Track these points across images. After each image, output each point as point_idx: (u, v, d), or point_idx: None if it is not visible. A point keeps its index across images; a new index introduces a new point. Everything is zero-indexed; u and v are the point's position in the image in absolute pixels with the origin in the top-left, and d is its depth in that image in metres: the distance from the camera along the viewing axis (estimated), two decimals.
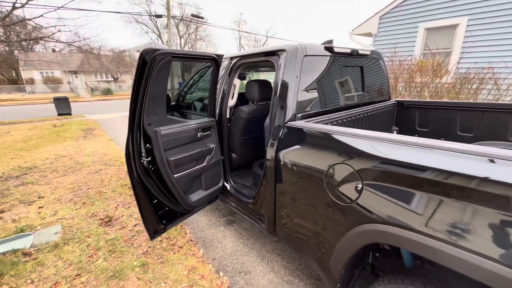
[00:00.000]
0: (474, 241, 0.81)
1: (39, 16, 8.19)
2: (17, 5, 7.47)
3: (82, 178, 3.98)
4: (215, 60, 1.91)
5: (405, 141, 1.03)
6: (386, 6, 6.67)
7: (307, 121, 1.54)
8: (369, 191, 1.09)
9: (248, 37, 43.11)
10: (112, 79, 31.20)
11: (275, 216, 1.73)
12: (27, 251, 2.25)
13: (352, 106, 2.10)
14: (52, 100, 12.57)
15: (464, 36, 5.47)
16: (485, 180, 0.79)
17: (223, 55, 2.04)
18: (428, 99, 3.88)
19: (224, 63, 2.25)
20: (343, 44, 2.01)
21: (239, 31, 40.25)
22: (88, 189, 3.58)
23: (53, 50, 27.58)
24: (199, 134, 1.91)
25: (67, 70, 29.29)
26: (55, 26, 8.50)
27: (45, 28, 8.72)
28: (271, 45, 2.11)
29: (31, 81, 28.05)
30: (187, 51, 1.73)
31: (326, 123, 1.62)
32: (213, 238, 2.57)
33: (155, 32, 37.87)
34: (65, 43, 9.83)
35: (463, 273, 0.85)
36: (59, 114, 11.45)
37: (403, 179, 0.99)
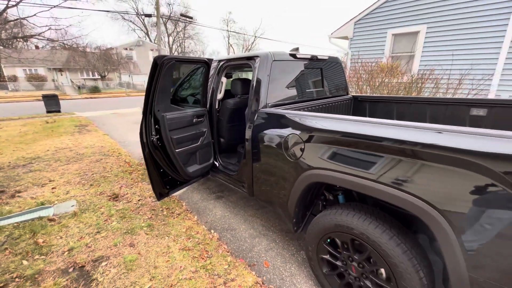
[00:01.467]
0: (356, 170, 1.43)
1: (33, 15, 8.38)
2: (11, 3, 7.64)
3: (85, 166, 4.42)
4: (207, 63, 2.48)
5: (325, 116, 1.65)
6: (360, 13, 7.41)
7: (274, 108, 2.14)
8: (307, 150, 1.70)
9: (237, 36, 43.54)
10: (99, 77, 30.82)
11: (253, 180, 2.32)
12: (51, 217, 2.73)
13: (313, 99, 2.72)
14: (40, 97, 12.65)
15: (424, 42, 6.27)
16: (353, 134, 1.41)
17: (212, 59, 2.62)
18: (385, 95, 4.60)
19: (214, 65, 2.82)
20: (306, 51, 2.64)
21: (227, 31, 40.57)
22: (93, 174, 4.05)
23: (36, 47, 26.99)
24: (194, 119, 2.48)
25: (52, 68, 28.69)
26: (48, 25, 8.68)
27: (39, 27, 8.92)
28: (252, 51, 2.68)
29: (14, 79, 27.31)
30: (187, 56, 2.29)
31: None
32: (205, 208, 3.14)
33: (142, 30, 37.64)
34: (56, 41, 9.99)
35: (350, 187, 1.47)
36: (48, 112, 11.55)
37: (326, 140, 1.60)
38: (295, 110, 2.13)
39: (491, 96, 5.39)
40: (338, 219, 1.60)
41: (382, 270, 1.50)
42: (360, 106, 3.23)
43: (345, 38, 8.07)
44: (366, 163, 1.40)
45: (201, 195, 3.49)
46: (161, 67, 2.02)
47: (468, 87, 4.70)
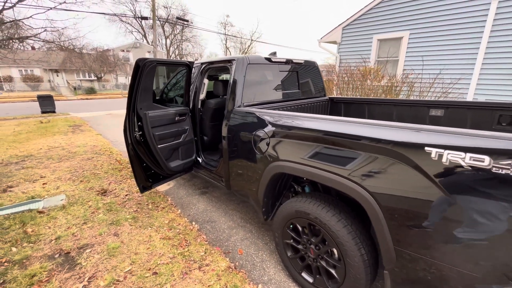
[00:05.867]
0: (316, 164, 1.62)
1: (29, 17, 8.52)
2: (7, 5, 7.78)
3: (76, 163, 4.57)
4: (188, 65, 2.68)
5: (288, 114, 1.84)
6: (347, 19, 7.68)
7: (246, 107, 2.33)
8: (272, 144, 1.89)
9: (234, 40, 43.87)
10: (96, 78, 30.87)
11: (229, 174, 2.50)
12: (40, 210, 2.88)
13: (289, 100, 2.92)
14: (35, 98, 12.74)
15: (407, 47, 6.54)
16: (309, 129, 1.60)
17: (193, 62, 2.81)
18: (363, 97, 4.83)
19: (197, 67, 3.01)
20: (281, 56, 2.85)
21: (225, 34, 40.89)
22: (84, 171, 4.19)
23: (33, 48, 27.05)
24: (176, 118, 2.66)
25: (48, 69, 28.70)
26: (44, 27, 8.83)
27: (35, 28, 9.04)
28: (230, 55, 2.87)
29: (9, 79, 27.30)
30: (167, 59, 2.47)
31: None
32: (189, 203, 3.30)
33: (140, 32, 37.72)
34: (52, 42, 10.13)
35: (311, 178, 1.66)
36: (43, 112, 11.66)
37: (288, 135, 1.79)
38: (263, 108, 2.33)
39: (469, 99, 5.65)
40: (297, 206, 1.78)
41: (335, 251, 1.69)
42: (336, 107, 3.44)
43: (334, 42, 8.33)
44: (314, 154, 1.59)
45: (186, 190, 3.65)
46: (142, 69, 2.20)
47: (445, 91, 4.96)
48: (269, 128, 1.93)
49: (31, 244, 2.33)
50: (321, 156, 1.55)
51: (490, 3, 5.11)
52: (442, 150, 1.09)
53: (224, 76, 4.05)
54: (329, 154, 1.51)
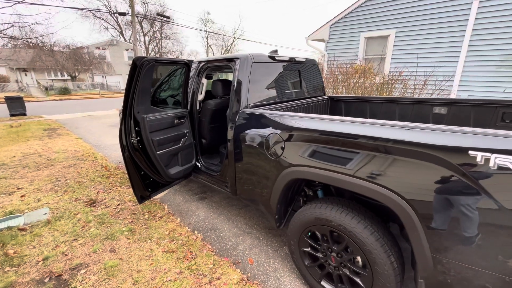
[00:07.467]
0: (332, 166, 1.53)
1: None
2: None
3: (57, 171, 4.19)
4: (187, 64, 2.48)
5: (304, 115, 1.74)
6: (335, 17, 7.72)
7: (254, 109, 2.20)
8: (287, 148, 1.78)
9: (216, 37, 43.08)
10: (69, 77, 29.03)
11: (235, 179, 2.36)
12: (22, 227, 2.57)
13: (292, 99, 2.82)
14: (2, 100, 11.73)
15: (394, 45, 6.68)
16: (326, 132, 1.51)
17: (193, 61, 2.62)
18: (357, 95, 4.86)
19: (194, 66, 2.82)
20: (283, 53, 2.74)
21: (206, 31, 40.02)
22: (67, 180, 3.85)
23: None
24: (175, 121, 2.46)
25: (15, 67, 26.58)
26: (11, 23, 8.03)
27: (0, 24, 8.20)
28: (232, 53, 2.71)
29: None
30: (167, 58, 2.28)
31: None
32: (188, 210, 3.12)
33: (116, 29, 36.00)
34: (19, 39, 9.28)
35: (326, 182, 1.57)
36: (12, 115, 10.76)
37: (305, 138, 1.69)
38: (275, 110, 2.21)
39: (453, 95, 5.88)
40: (317, 213, 1.69)
41: (359, 258, 1.61)
42: (336, 106, 3.39)
43: (322, 40, 8.36)
44: (342, 159, 1.50)
45: (183, 197, 3.45)
46: (140, 68, 2.00)
47: (432, 88, 5.14)
48: (284, 131, 1.81)
49: (14, 268, 2.05)
50: (349, 162, 1.46)
51: (471, 2, 5.33)
52: (488, 154, 1.04)
53: (223, 76, 3.88)
54: (358, 159, 1.42)
